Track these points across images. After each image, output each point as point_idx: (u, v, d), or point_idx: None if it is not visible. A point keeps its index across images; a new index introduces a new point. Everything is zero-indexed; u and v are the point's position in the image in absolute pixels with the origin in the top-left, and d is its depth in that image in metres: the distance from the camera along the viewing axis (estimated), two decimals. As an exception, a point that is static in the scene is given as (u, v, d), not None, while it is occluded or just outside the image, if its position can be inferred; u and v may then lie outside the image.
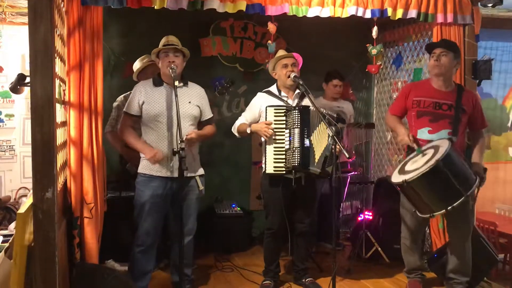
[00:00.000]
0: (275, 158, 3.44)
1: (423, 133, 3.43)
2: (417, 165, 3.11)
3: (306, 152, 3.37)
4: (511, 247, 4.72)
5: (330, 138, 3.25)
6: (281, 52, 3.64)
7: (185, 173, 2.94)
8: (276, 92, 3.62)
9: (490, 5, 4.16)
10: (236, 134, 3.70)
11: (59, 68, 3.01)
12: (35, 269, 2.47)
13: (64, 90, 3.27)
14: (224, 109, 5.03)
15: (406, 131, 3.46)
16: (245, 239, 4.75)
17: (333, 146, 3.22)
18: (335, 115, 3.46)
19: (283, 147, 3.43)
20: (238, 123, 3.68)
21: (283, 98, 3.58)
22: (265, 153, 3.49)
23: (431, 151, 3.15)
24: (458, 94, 3.43)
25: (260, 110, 3.57)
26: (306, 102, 3.50)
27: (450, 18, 3.99)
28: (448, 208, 3.01)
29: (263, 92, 3.67)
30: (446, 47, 3.43)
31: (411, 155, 3.32)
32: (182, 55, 3.31)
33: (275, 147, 3.45)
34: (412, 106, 3.50)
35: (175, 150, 2.92)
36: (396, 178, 3.18)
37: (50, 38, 2.50)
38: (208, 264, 4.29)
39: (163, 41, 3.33)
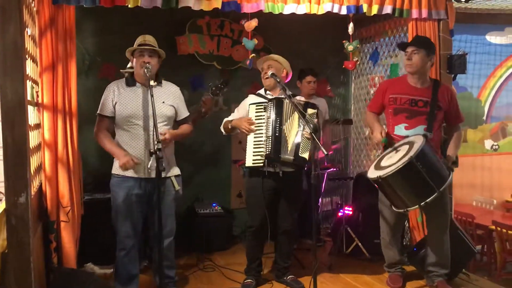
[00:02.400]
0: (254, 151, 3.47)
1: (400, 130, 3.46)
2: (392, 161, 3.15)
3: (278, 140, 3.41)
4: (488, 238, 4.82)
5: (300, 125, 3.39)
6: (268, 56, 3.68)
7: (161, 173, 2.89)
8: (263, 93, 3.67)
9: (463, 0, 4.22)
10: (223, 131, 3.72)
11: (31, 69, 2.94)
12: (9, 277, 2.41)
13: (37, 92, 3.20)
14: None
15: (380, 128, 3.50)
16: (227, 238, 4.73)
17: (303, 132, 3.37)
18: (302, 103, 3.48)
19: (261, 140, 3.46)
20: (225, 120, 3.72)
21: (268, 96, 3.61)
22: (247, 147, 3.52)
23: (406, 147, 3.19)
24: (434, 91, 3.45)
25: (247, 110, 3.61)
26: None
27: (424, 14, 4.03)
28: (421, 204, 3.08)
29: (253, 94, 3.72)
30: (417, 45, 3.44)
31: (387, 151, 3.37)
32: (157, 56, 3.26)
33: (255, 141, 3.48)
34: (388, 103, 3.54)
35: (152, 151, 2.88)
36: (372, 173, 3.22)
37: (20, 39, 2.44)
38: (190, 263, 4.25)
39: (139, 40, 3.26)
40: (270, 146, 3.41)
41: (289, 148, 3.42)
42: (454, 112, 3.55)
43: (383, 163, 3.23)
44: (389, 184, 3.14)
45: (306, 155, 3.42)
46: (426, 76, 3.52)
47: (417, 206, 3.12)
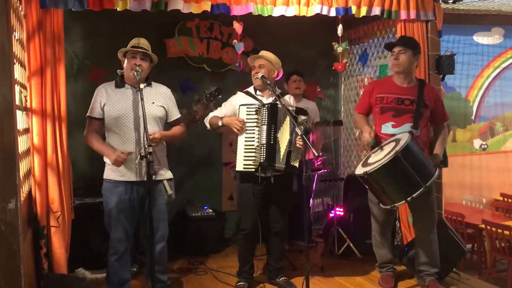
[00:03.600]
0: (245, 156, 3.45)
1: (387, 128, 3.50)
2: (378, 157, 3.20)
3: (272, 148, 3.40)
4: (478, 237, 4.86)
5: (291, 132, 3.40)
6: (261, 53, 3.65)
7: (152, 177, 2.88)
8: (253, 92, 3.64)
9: (450, 1, 4.26)
10: (207, 125, 3.68)
11: (19, 73, 2.92)
12: (-1, 284, 2.39)
13: (25, 96, 3.17)
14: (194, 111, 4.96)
15: (369, 129, 3.53)
16: (218, 241, 4.72)
17: (296, 140, 3.38)
18: (294, 108, 3.49)
19: (253, 145, 3.44)
20: (211, 115, 3.67)
21: (258, 97, 3.59)
22: (237, 150, 3.49)
23: (392, 144, 3.24)
24: (420, 89, 3.50)
25: (235, 108, 3.59)
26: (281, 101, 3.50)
27: (413, 15, 4.06)
28: (408, 199, 3.11)
29: (242, 91, 3.69)
30: (404, 45, 3.49)
31: (375, 149, 3.42)
32: (149, 60, 3.24)
33: (245, 145, 3.46)
34: (375, 102, 3.58)
35: (142, 154, 2.86)
36: (359, 170, 3.26)
37: (7, 43, 2.41)
38: (182, 267, 4.24)
39: (133, 42, 3.23)
40: (264, 154, 3.39)
41: (281, 157, 3.42)
42: (440, 111, 3.60)
43: (370, 161, 3.27)
44: (376, 180, 3.18)
45: (296, 164, 3.45)
46: (412, 76, 3.57)
47: (404, 201, 3.15)
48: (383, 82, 3.71)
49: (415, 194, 3.09)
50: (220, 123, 3.55)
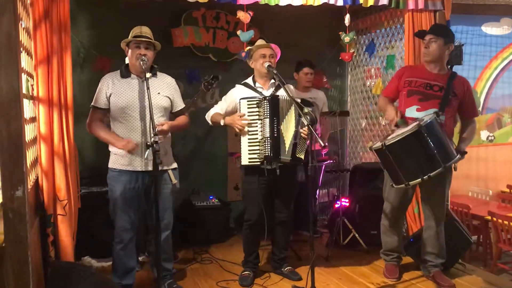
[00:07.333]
0: (249, 150, 3.44)
1: (411, 111, 3.44)
2: (399, 132, 3.13)
3: (277, 141, 3.38)
4: (483, 228, 4.85)
5: (296, 124, 3.35)
6: (260, 42, 3.62)
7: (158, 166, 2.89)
8: (252, 84, 3.60)
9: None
10: (209, 122, 3.67)
11: (25, 62, 2.92)
12: (7, 271, 2.41)
13: (32, 85, 3.17)
14: (198, 100, 4.96)
15: (394, 108, 3.47)
16: (224, 230, 4.74)
17: (301, 131, 3.34)
18: (299, 100, 3.47)
19: (257, 138, 3.42)
20: (213, 111, 3.65)
21: (258, 89, 3.57)
22: (241, 144, 3.48)
23: (415, 123, 3.15)
24: (450, 78, 3.46)
25: (236, 102, 3.56)
26: (281, 92, 3.48)
27: (421, 4, 4.03)
28: (424, 177, 3.00)
29: (241, 84, 3.65)
30: (435, 33, 3.45)
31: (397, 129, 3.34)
32: (153, 48, 3.24)
33: (249, 139, 3.44)
34: (403, 85, 3.53)
35: (149, 144, 2.86)
36: (377, 145, 3.19)
37: (14, 31, 2.41)
38: (187, 257, 4.26)
39: (135, 31, 3.22)
40: (269, 147, 3.36)
41: (286, 149, 3.39)
42: (470, 105, 3.53)
43: (389, 137, 3.19)
44: (393, 153, 3.06)
45: (302, 155, 3.43)
46: (444, 64, 3.52)
47: (420, 179, 3.02)
48: (415, 67, 3.71)
49: (432, 173, 2.97)
50: (222, 123, 3.54)
